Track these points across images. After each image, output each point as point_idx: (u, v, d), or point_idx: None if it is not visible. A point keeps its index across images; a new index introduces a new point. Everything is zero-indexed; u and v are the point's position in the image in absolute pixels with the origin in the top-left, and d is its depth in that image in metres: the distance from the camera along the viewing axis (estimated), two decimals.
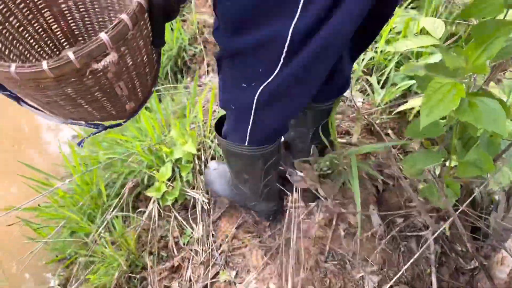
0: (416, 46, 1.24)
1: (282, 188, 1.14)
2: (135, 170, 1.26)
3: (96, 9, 0.83)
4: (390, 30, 1.43)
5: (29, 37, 0.79)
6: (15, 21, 0.75)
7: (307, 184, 1.08)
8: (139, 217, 1.19)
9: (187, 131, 1.24)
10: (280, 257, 1.04)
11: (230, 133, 0.90)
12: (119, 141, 1.36)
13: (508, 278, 0.93)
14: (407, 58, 1.42)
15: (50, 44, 0.83)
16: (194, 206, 1.19)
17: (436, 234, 0.93)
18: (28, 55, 0.79)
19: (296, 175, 1.12)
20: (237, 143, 0.90)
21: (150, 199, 1.23)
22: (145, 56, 0.68)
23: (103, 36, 0.56)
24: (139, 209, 1.23)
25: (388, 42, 1.43)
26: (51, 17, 0.81)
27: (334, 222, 1.09)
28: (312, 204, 1.12)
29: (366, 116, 1.32)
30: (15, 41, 0.75)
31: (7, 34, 0.73)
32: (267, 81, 0.70)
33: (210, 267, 1.08)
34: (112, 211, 1.21)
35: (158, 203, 1.19)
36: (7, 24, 0.73)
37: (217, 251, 1.10)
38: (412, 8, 1.57)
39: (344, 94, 1.02)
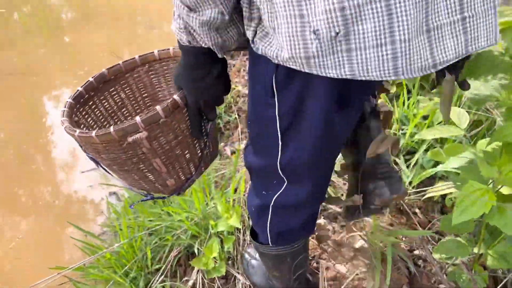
0: (442, 136, 1.36)
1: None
2: (181, 239, 1.36)
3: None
4: (414, 114, 1.57)
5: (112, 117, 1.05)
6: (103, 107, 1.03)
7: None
8: (184, 287, 1.28)
9: (231, 205, 1.35)
10: None
11: (257, 234, 1.03)
12: (165, 211, 1.47)
13: None
14: (435, 142, 1.54)
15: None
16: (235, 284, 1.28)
17: None
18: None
19: None
20: (263, 243, 1.00)
21: (194, 267, 1.31)
22: (184, 143, 0.85)
23: (137, 118, 0.74)
24: (185, 278, 1.31)
25: (416, 126, 1.55)
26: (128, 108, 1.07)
27: None
28: None
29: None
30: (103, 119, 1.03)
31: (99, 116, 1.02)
32: (278, 193, 0.88)
33: None
34: (158, 278, 1.30)
35: (203, 273, 1.28)
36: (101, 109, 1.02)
37: None
38: (435, 92, 1.71)
39: None
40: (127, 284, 1.36)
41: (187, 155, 0.88)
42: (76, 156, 2.34)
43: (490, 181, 0.95)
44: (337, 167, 1.12)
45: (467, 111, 1.36)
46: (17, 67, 3.10)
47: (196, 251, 1.35)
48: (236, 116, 2.10)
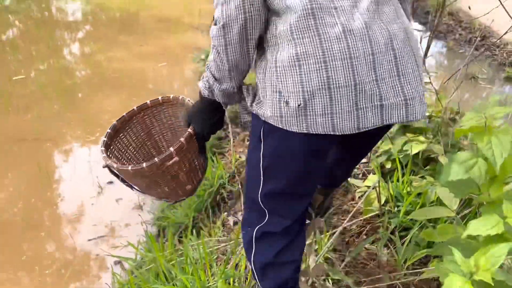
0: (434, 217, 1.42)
1: None
2: None
3: (170, 133, 1.55)
4: (408, 192, 1.63)
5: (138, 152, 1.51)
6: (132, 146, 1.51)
7: None
8: None
9: (231, 285, 1.40)
10: None
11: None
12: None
13: None
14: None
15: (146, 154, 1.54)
16: None
17: None
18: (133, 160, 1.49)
19: None
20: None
21: None
22: (195, 159, 1.26)
23: (171, 149, 1.16)
24: None
25: (410, 204, 1.61)
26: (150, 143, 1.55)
27: None
28: None
29: (391, 276, 1.46)
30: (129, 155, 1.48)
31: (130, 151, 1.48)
32: (259, 225, 1.17)
33: None
34: None
35: None
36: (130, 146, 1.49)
37: None
38: (428, 169, 1.79)
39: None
40: None
41: (197, 166, 1.29)
42: (84, 223, 2.41)
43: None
44: None
45: None
46: (31, 132, 3.25)
47: None
48: (239, 186, 2.18)
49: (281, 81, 0.96)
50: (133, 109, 1.48)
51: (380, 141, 2.03)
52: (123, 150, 1.45)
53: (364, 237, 1.65)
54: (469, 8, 1.98)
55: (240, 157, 2.40)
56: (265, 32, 1.01)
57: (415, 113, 0.99)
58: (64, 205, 2.57)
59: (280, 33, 0.96)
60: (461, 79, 3.04)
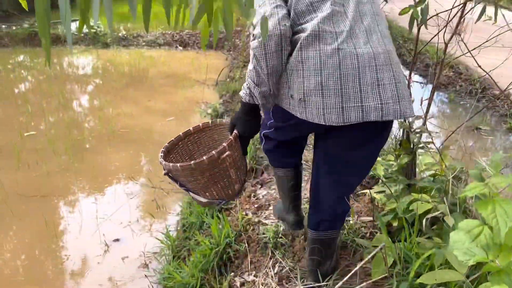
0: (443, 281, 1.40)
1: None
2: None
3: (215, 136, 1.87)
4: (416, 254, 1.62)
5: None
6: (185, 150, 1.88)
7: None
8: None
9: None
10: None
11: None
12: None
13: None
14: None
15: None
16: None
17: None
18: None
19: None
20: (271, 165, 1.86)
21: None
22: (240, 160, 1.54)
23: (224, 143, 1.43)
24: None
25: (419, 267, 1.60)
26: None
27: None
28: None
29: None
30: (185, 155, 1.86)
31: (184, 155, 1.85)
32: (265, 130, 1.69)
33: None
34: None
35: None
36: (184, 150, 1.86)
37: None
38: (435, 229, 1.78)
39: None
40: None
41: (241, 166, 1.56)
42: (89, 282, 2.38)
43: None
44: None
45: None
46: (40, 189, 3.29)
47: None
48: (246, 245, 2.17)
49: (289, 80, 1.35)
50: (179, 135, 1.85)
51: (386, 199, 2.05)
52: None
53: None
54: (479, 66, 2.05)
55: (246, 214, 2.40)
56: None
57: (389, 114, 1.30)
58: (69, 263, 2.55)
59: (292, 44, 1.34)
60: (464, 130, 3.09)
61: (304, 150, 1.90)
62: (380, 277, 1.62)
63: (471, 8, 2.21)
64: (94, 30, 8.49)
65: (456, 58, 2.42)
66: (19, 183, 3.36)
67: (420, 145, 1.85)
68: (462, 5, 2.22)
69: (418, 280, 1.45)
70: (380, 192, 2.12)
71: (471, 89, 5.70)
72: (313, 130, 1.56)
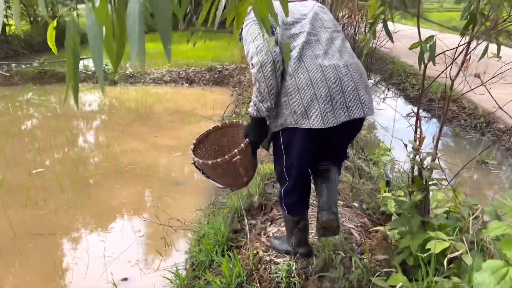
0: None
1: None
2: None
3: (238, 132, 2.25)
4: None
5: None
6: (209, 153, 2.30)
7: None
8: None
9: None
10: None
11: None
12: None
13: None
14: None
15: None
16: None
17: None
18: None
19: None
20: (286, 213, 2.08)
21: None
22: (249, 160, 1.92)
23: (236, 150, 1.82)
24: None
25: None
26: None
27: None
28: None
29: None
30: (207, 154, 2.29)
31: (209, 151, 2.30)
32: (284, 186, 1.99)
33: None
34: None
35: None
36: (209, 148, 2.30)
37: None
38: (452, 267, 1.75)
39: None
40: None
41: (249, 166, 1.94)
42: None
43: None
44: None
45: None
46: (47, 227, 3.27)
47: None
48: (258, 285, 2.13)
49: (290, 100, 1.69)
50: (210, 129, 2.29)
51: (399, 236, 2.03)
52: (203, 155, 2.25)
53: None
54: (499, 107, 2.08)
55: (257, 252, 2.37)
56: None
57: (366, 112, 1.72)
58: None
59: (286, 70, 1.69)
60: (472, 165, 3.09)
61: None
62: None
63: (475, 47, 2.27)
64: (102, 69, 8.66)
65: (463, 94, 2.46)
66: (26, 221, 3.35)
67: (433, 182, 1.85)
68: (467, 43, 2.28)
69: None
70: (393, 228, 2.10)
71: (475, 123, 5.73)
72: (317, 138, 1.79)
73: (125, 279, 2.67)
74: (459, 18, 2.28)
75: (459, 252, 1.50)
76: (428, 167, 1.84)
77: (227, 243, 2.62)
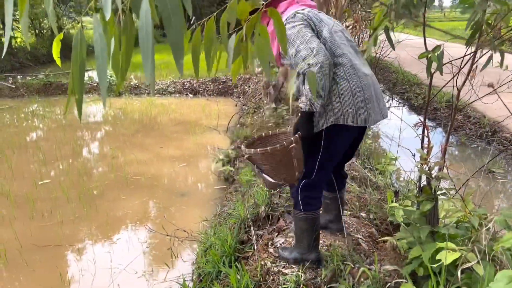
0: None
1: None
2: None
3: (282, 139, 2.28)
4: None
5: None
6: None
7: None
8: None
9: None
10: None
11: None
12: None
13: None
14: None
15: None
16: None
17: None
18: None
19: None
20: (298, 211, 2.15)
21: None
22: (301, 153, 1.97)
23: (293, 137, 1.91)
24: None
25: None
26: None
27: None
28: None
29: None
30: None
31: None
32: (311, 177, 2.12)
33: None
34: None
35: None
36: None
37: None
38: (463, 278, 1.73)
39: None
40: None
41: (300, 159, 1.96)
42: None
43: None
44: None
45: None
46: (54, 238, 3.27)
47: None
48: None
49: (342, 100, 1.90)
50: (254, 137, 2.34)
51: (407, 246, 2.01)
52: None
53: None
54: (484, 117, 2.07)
55: (265, 263, 2.35)
56: None
57: (384, 116, 2.06)
58: None
59: (337, 73, 1.92)
60: (478, 174, 3.07)
61: None
62: None
63: (481, 56, 2.27)
64: (107, 80, 8.73)
65: (471, 103, 2.46)
66: (33, 233, 3.35)
67: (442, 191, 1.84)
68: (473, 53, 2.29)
69: None
70: (401, 238, 2.09)
71: (481, 132, 5.72)
72: (353, 137, 2.08)
73: None
74: (461, 27, 2.31)
75: (473, 263, 1.49)
76: (437, 176, 1.83)
77: (234, 254, 2.61)
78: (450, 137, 5.77)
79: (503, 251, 1.46)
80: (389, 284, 1.85)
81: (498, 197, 4.20)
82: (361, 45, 6.81)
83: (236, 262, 2.45)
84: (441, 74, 2.02)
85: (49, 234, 3.35)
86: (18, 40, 13.87)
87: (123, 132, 6.29)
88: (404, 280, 1.84)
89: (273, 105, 5.57)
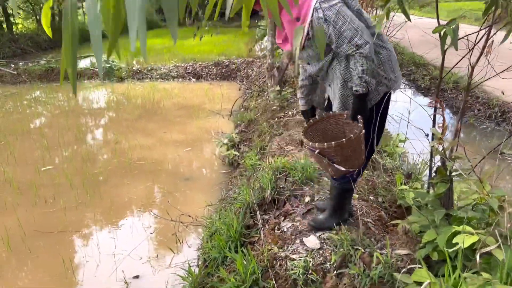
0: None
1: None
2: None
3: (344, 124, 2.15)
4: None
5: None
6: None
7: None
8: None
9: None
10: None
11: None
12: None
13: None
14: None
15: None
16: None
17: None
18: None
19: None
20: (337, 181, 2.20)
21: None
22: (363, 141, 1.93)
23: (360, 125, 1.89)
24: None
25: None
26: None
27: None
28: None
29: None
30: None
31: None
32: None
33: None
34: None
35: None
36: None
37: None
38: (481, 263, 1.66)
39: None
40: None
41: (363, 147, 1.95)
42: None
43: None
44: None
45: None
46: (57, 224, 3.23)
47: None
48: (274, 282, 2.05)
49: (385, 69, 1.97)
50: (307, 123, 2.22)
51: (419, 230, 1.94)
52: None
53: None
54: (503, 93, 1.98)
55: (272, 248, 2.29)
56: None
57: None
58: None
59: (375, 43, 1.93)
60: (491, 155, 2.98)
61: None
62: None
63: (495, 32, 2.16)
64: (109, 65, 8.63)
65: (486, 80, 2.35)
66: (36, 219, 3.30)
67: (458, 172, 1.76)
68: (488, 27, 2.18)
69: None
70: (413, 222, 2.01)
71: (490, 113, 5.60)
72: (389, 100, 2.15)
73: (137, 276, 2.61)
74: (467, 8, 2.20)
75: (493, 247, 1.41)
76: (453, 157, 1.74)
77: (240, 239, 2.55)
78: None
79: None
80: (403, 270, 1.78)
81: (510, 179, 4.12)
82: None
83: (242, 247, 2.39)
84: (456, 49, 1.91)
85: (52, 220, 3.30)
86: (20, 26, 13.72)
87: (126, 117, 6.21)
88: (418, 266, 1.77)
89: (278, 88, 5.46)
